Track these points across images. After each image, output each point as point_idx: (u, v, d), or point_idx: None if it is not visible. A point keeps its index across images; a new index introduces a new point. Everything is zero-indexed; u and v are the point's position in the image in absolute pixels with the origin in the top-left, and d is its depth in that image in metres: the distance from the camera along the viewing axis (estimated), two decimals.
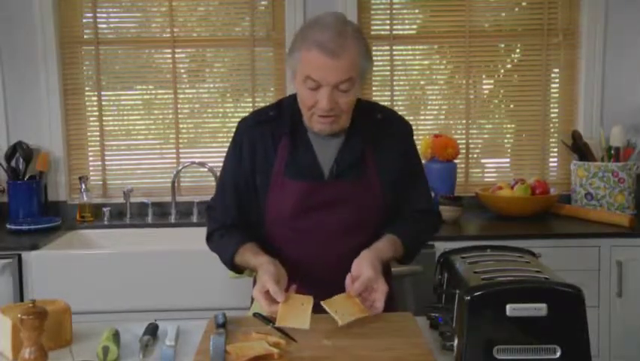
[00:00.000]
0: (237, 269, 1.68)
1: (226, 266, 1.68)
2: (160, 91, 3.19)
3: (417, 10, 3.22)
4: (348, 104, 1.54)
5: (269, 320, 1.47)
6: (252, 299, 1.75)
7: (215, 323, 1.49)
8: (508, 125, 3.30)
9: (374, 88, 3.20)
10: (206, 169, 3.03)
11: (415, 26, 3.23)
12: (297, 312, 1.39)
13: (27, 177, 3.00)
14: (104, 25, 3.15)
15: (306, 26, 1.54)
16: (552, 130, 3.25)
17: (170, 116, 3.19)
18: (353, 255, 1.53)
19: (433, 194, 2.86)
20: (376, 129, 1.66)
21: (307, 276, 1.55)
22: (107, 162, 3.19)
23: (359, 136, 1.63)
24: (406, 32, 3.22)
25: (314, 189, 1.60)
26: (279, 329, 1.43)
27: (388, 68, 3.18)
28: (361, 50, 1.51)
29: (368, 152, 1.63)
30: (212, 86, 3.21)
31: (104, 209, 3.02)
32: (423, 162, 3.02)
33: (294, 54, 1.53)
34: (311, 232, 1.61)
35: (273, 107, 1.69)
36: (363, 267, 1.47)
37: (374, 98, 3.19)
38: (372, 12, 3.15)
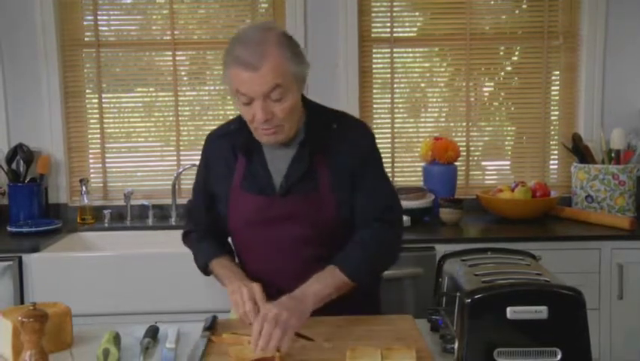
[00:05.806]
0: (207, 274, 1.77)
1: (197, 267, 1.77)
2: (161, 93, 3.19)
3: (417, 13, 3.22)
4: (285, 112, 1.50)
5: None
6: None
7: (204, 326, 1.50)
8: (509, 128, 3.30)
9: (375, 91, 3.20)
10: None
11: (415, 29, 3.23)
12: None
13: (28, 179, 3.00)
14: (105, 28, 3.15)
15: (230, 42, 1.52)
16: (552, 133, 3.24)
17: (171, 118, 3.19)
18: (310, 266, 1.53)
19: (430, 199, 2.89)
20: (330, 140, 1.60)
21: (268, 285, 1.53)
22: (107, 165, 3.19)
23: (309, 148, 1.59)
24: (406, 35, 3.22)
25: (267, 203, 1.59)
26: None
27: (389, 70, 3.18)
28: (287, 54, 1.47)
29: (320, 164, 1.59)
30: (212, 88, 3.21)
31: (105, 211, 3.02)
32: (423, 164, 3.06)
33: (224, 72, 1.53)
34: (266, 245, 1.62)
35: (236, 121, 1.69)
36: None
37: (374, 101, 3.19)
38: (373, 15, 3.15)
